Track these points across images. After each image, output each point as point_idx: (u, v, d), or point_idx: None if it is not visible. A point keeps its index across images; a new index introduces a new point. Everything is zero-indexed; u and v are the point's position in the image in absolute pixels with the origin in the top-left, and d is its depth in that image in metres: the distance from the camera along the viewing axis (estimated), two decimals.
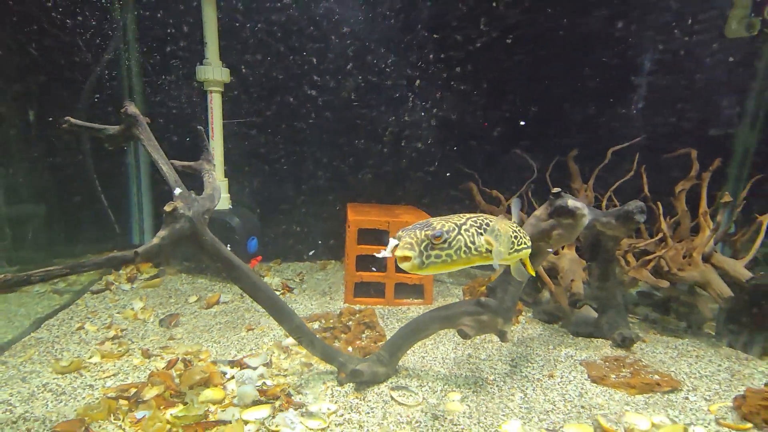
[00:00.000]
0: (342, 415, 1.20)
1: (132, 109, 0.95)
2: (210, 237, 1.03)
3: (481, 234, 0.98)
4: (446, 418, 1.20)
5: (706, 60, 2.36)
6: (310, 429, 1.13)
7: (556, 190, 1.32)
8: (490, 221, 1.00)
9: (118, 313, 1.76)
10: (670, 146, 2.19)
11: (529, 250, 1.10)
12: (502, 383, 1.38)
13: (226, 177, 2.19)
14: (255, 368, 1.37)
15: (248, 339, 1.60)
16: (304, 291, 2.20)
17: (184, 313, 1.81)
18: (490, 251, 1.00)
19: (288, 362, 1.46)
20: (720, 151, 2.50)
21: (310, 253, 2.65)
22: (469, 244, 0.96)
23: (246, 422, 1.15)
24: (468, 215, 0.99)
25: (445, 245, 0.92)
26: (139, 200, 2.42)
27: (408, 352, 1.57)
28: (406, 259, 0.89)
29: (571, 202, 1.31)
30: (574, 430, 1.15)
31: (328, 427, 1.15)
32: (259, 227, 2.25)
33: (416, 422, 1.18)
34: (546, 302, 1.97)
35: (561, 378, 1.43)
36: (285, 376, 1.38)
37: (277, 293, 2.07)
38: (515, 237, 1.02)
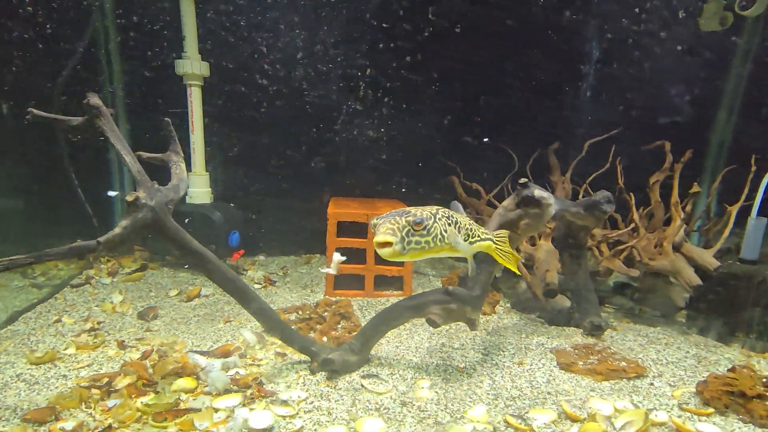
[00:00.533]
0: (312, 402, 1.22)
1: (95, 100, 0.96)
2: (173, 226, 1.04)
3: (450, 224, 1.01)
4: (414, 405, 1.22)
5: (680, 54, 2.39)
6: (279, 416, 1.15)
7: (522, 180, 1.34)
8: (452, 213, 1.04)
9: (96, 306, 1.77)
10: (650, 139, 2.23)
11: (487, 243, 1.12)
12: (471, 371, 1.41)
13: (207, 171, 2.19)
14: (228, 358, 1.38)
15: (225, 331, 1.62)
16: (286, 284, 2.22)
17: (163, 306, 1.83)
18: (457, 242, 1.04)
19: (263, 353, 1.48)
20: (697, 143, 2.55)
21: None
22: (443, 233, 1.00)
23: (216, 410, 1.17)
24: (429, 207, 1.02)
25: (425, 232, 0.95)
26: (122, 195, 2.43)
27: (382, 341, 1.60)
28: (387, 244, 0.90)
29: (537, 192, 1.33)
30: (538, 416, 1.18)
31: (297, 414, 1.17)
32: (242, 221, 2.27)
33: (384, 409, 1.20)
34: (523, 293, 2.00)
35: (530, 365, 1.46)
36: (258, 365, 1.40)
37: (258, 287, 2.13)
38: (470, 230, 1.05)
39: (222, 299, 1.96)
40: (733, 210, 1.77)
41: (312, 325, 1.59)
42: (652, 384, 1.37)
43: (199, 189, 2.15)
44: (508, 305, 2.04)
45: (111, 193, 1.69)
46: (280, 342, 1.43)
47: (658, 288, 1.97)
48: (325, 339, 1.53)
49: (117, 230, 0.92)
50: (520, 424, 1.13)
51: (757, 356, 1.63)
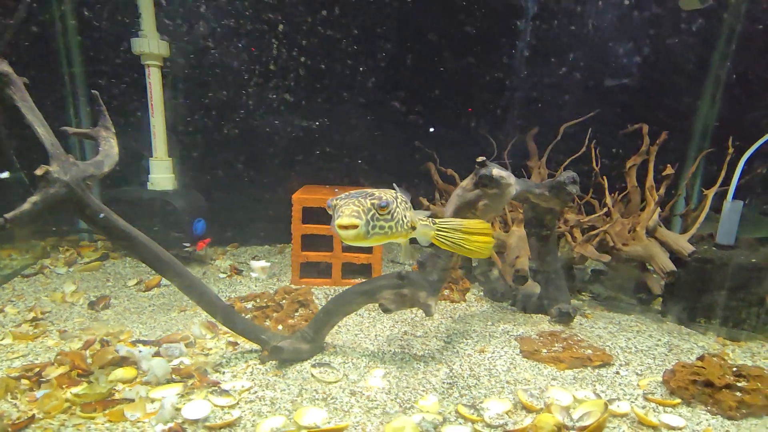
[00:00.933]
0: (256, 392, 1.16)
1: (4, 67, 0.88)
2: (95, 204, 0.97)
3: (406, 209, 0.95)
4: (363, 394, 1.16)
5: (663, 33, 2.31)
6: (217, 406, 1.09)
7: (480, 159, 1.27)
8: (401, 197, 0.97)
9: (46, 296, 1.70)
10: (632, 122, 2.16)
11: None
12: (430, 359, 1.35)
13: (170, 156, 2.11)
14: (173, 347, 1.32)
15: (178, 320, 1.55)
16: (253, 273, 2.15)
17: (119, 296, 1.75)
18: (413, 228, 0.97)
19: (214, 342, 1.41)
20: (681, 127, 2.48)
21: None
22: (403, 218, 0.93)
23: (152, 400, 1.10)
24: (383, 190, 0.95)
25: (389, 216, 0.88)
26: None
27: (341, 329, 1.54)
28: (353, 227, 0.84)
29: (496, 171, 1.26)
30: (493, 405, 1.12)
31: (238, 404, 1.10)
32: (207, 209, 2.19)
33: (332, 398, 1.14)
34: (495, 280, 1.94)
35: (492, 353, 1.40)
36: (207, 355, 1.34)
37: (223, 275, 2.06)
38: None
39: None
40: (710, 194, 1.70)
41: (268, 313, 1.52)
42: (617, 373, 1.31)
43: (160, 175, 2.07)
44: (482, 293, 1.98)
45: (1, 175, 1.60)
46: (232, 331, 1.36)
47: (635, 275, 1.91)
48: (280, 327, 1.47)
49: (26, 206, 0.85)
50: (472, 414, 1.07)
51: (733, 344, 1.57)
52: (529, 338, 1.47)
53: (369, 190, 0.92)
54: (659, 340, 1.55)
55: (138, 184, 2.15)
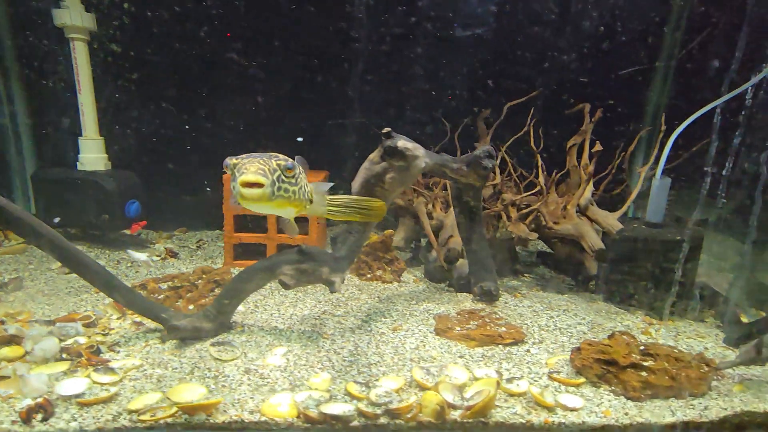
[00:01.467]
0: (144, 370, 1.11)
1: None
2: None
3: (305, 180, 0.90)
4: (258, 372, 1.12)
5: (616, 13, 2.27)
6: (97, 383, 1.05)
7: (386, 129, 1.23)
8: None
9: None
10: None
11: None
12: (339, 338, 1.31)
13: (102, 136, 2.04)
14: (70, 327, 1.27)
15: (88, 301, 1.50)
16: (191, 257, 2.09)
17: (38, 279, 1.70)
18: (309, 201, 0.92)
19: (119, 322, 1.36)
20: (633, 108, 2.45)
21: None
22: (305, 186, 0.88)
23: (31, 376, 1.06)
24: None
25: (293, 180, 0.83)
26: (20, 164, 2.27)
27: (257, 309, 1.49)
28: (258, 185, 0.78)
29: (401, 143, 1.22)
30: (387, 383, 1.08)
31: (121, 381, 1.06)
32: (142, 191, 2.12)
33: (223, 376, 1.10)
34: (433, 261, 1.90)
35: (406, 331, 1.36)
36: (106, 335, 1.29)
37: (157, 258, 2.01)
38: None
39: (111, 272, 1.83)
40: (642, 171, 1.67)
41: (181, 293, 1.47)
42: (528, 351, 1.28)
43: (90, 155, 2.00)
44: (421, 274, 1.95)
45: None
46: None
47: (574, 255, 1.88)
48: (191, 307, 1.42)
49: None
50: (361, 392, 1.04)
51: (659, 323, 1.55)
52: (447, 316, 1.43)
53: (271, 153, 0.86)
54: (583, 319, 1.52)
55: (71, 164, 2.08)
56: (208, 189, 2.21)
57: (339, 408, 0.98)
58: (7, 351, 1.15)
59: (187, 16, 2.20)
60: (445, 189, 2.06)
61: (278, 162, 0.82)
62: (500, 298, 1.63)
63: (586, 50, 2.38)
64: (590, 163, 1.68)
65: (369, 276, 1.79)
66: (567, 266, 1.97)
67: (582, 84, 2.36)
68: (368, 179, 1.25)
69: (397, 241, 2.20)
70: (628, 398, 1.08)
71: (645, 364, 1.12)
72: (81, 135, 2.00)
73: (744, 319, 1.55)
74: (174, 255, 2.04)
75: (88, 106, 1.96)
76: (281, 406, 0.97)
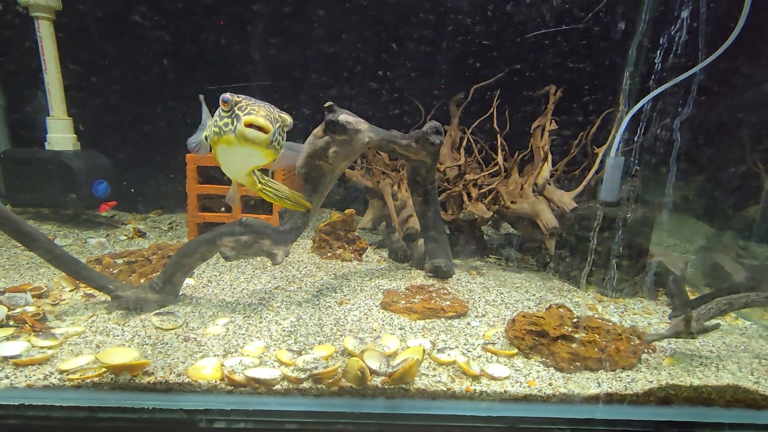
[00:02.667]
0: (86, 337, 1.14)
1: None
2: None
3: None
4: (196, 340, 1.15)
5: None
6: (36, 347, 1.08)
7: (327, 103, 1.24)
8: None
9: None
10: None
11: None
12: (284, 310, 1.33)
13: (69, 116, 2.05)
14: (19, 297, 1.30)
15: (46, 275, 1.53)
16: (159, 237, 2.12)
17: (1, 254, 1.73)
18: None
19: (71, 294, 1.39)
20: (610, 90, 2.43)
21: None
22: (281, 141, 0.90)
23: None
24: None
25: (284, 135, 0.86)
26: None
27: (213, 283, 1.52)
28: (263, 131, 0.80)
29: (343, 117, 1.23)
30: (320, 352, 1.10)
31: (60, 345, 1.09)
32: (111, 171, 2.14)
33: (162, 343, 1.13)
34: (395, 241, 1.92)
35: (352, 305, 1.38)
36: (56, 305, 1.32)
37: (124, 238, 2.03)
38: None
39: (75, 249, 1.86)
40: (600, 152, 1.67)
41: (135, 267, 1.50)
42: (469, 324, 1.30)
43: (58, 134, 2.01)
44: (385, 254, 1.96)
45: None
46: None
47: (536, 235, 1.89)
48: (142, 281, 1.45)
49: None
50: (291, 359, 1.06)
51: (611, 300, 1.57)
52: (396, 291, 1.45)
53: (267, 103, 0.87)
54: (533, 295, 1.54)
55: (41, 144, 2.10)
56: (171, 176, 2.21)
57: (265, 372, 1.00)
58: None
59: None
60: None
61: (280, 114, 0.84)
62: (454, 276, 1.65)
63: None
64: (546, 142, 1.68)
65: (329, 254, 1.81)
66: (531, 246, 1.99)
67: (556, 66, 2.35)
68: (312, 153, 1.27)
69: (365, 222, 2.22)
70: (557, 369, 1.09)
71: (576, 336, 1.14)
72: (48, 115, 2.02)
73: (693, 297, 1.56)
74: (142, 235, 2.07)
75: (55, 85, 1.97)
76: (206, 369, 0.99)
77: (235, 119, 0.80)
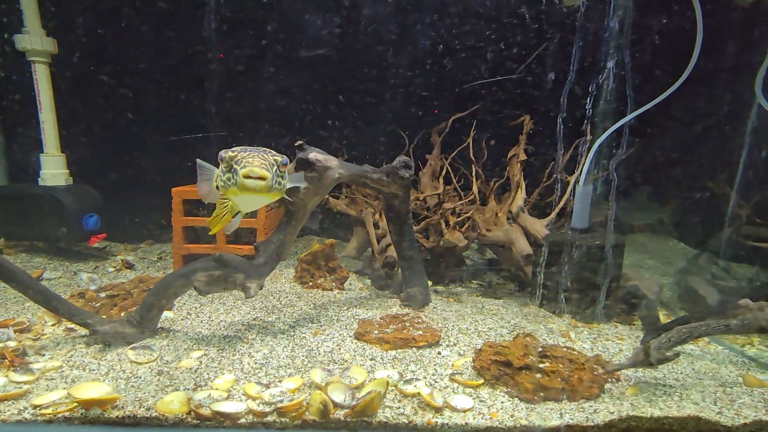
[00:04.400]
0: (62, 371, 1.17)
1: None
2: None
3: None
4: (169, 374, 1.17)
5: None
6: (13, 381, 1.11)
7: (298, 143, 1.30)
8: None
9: None
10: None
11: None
12: (258, 343, 1.36)
13: (63, 152, 2.14)
14: (1, 332, 1.34)
15: (31, 309, 1.57)
16: (147, 268, 2.16)
17: None
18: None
19: (53, 328, 1.43)
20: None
21: None
22: (283, 180, 0.98)
23: None
24: None
25: (285, 174, 0.94)
26: None
27: (192, 315, 1.55)
28: (262, 179, 0.87)
29: (313, 155, 1.29)
30: (288, 384, 1.13)
31: (37, 380, 1.13)
32: (102, 205, 2.20)
33: (135, 377, 1.15)
34: (377, 269, 1.95)
35: (326, 335, 1.41)
36: (37, 339, 1.35)
37: (112, 270, 2.08)
38: None
39: (64, 282, 1.91)
40: (571, 179, 1.72)
41: (117, 301, 1.54)
42: (439, 353, 1.32)
43: (51, 170, 2.09)
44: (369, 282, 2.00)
45: None
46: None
47: (516, 262, 1.92)
48: (122, 314, 1.48)
49: None
50: (259, 392, 1.08)
51: (586, 326, 1.58)
52: (370, 321, 1.48)
53: (258, 148, 0.95)
54: (508, 322, 1.56)
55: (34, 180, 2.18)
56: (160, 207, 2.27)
57: (231, 406, 1.02)
58: None
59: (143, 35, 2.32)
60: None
61: (275, 158, 0.93)
62: (431, 303, 1.68)
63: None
64: (519, 171, 1.74)
65: (310, 284, 1.85)
66: (511, 273, 2.01)
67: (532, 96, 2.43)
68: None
69: (349, 250, 2.26)
70: (521, 400, 1.10)
71: (539, 365, 1.16)
72: (42, 152, 2.10)
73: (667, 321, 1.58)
74: (130, 266, 2.12)
75: (49, 124, 2.06)
76: (173, 403, 1.02)
77: (234, 174, 0.89)
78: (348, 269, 2.02)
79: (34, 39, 1.94)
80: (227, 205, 1.10)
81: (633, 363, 1.11)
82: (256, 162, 0.87)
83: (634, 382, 1.19)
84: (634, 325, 1.62)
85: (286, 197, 1.16)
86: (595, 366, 1.17)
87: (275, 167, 0.90)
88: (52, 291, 1.32)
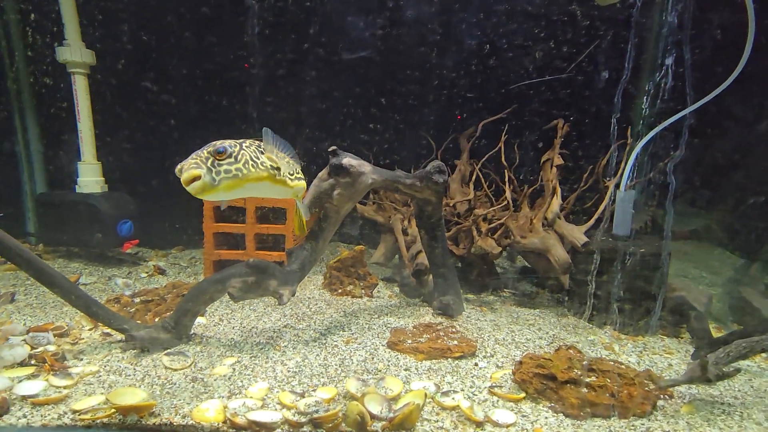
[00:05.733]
0: (100, 376, 1.18)
1: None
2: None
3: (262, 152, 0.98)
4: (203, 380, 1.17)
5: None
6: (53, 386, 1.13)
7: (332, 148, 1.28)
8: (263, 144, 1.02)
9: None
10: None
11: (302, 184, 1.11)
12: (290, 350, 1.34)
13: (99, 160, 2.20)
14: (42, 336, 1.36)
15: (69, 313, 1.60)
16: (179, 274, 2.19)
17: (32, 293, 1.82)
18: (277, 169, 1.00)
19: (90, 333, 1.45)
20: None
21: None
22: (255, 159, 0.96)
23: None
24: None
25: (232, 159, 0.92)
26: (32, 188, 2.46)
27: (224, 321, 1.55)
28: (195, 178, 0.87)
29: (347, 160, 1.27)
30: (322, 394, 1.10)
31: (75, 385, 1.14)
32: (136, 211, 2.25)
33: (171, 384, 1.15)
34: (406, 276, 1.92)
35: (358, 344, 1.38)
36: (75, 344, 1.37)
37: (144, 275, 2.11)
38: (290, 164, 1.06)
39: (99, 287, 1.95)
40: (611, 185, 1.65)
41: (151, 306, 1.55)
42: (476, 365, 1.27)
43: (88, 178, 2.15)
44: (397, 289, 1.96)
45: None
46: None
47: (551, 270, 1.85)
48: (156, 320, 1.49)
49: None
50: (293, 401, 1.06)
51: (629, 339, 1.50)
52: (403, 330, 1.44)
53: (214, 142, 0.94)
54: (546, 333, 1.50)
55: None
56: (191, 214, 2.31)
57: (266, 415, 1.00)
58: None
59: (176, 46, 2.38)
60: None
61: (209, 150, 0.89)
62: (464, 313, 1.63)
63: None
64: (555, 176, 1.68)
65: (340, 291, 1.83)
66: (545, 281, 1.94)
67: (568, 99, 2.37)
68: (317, 196, 1.31)
69: (377, 257, 2.23)
70: (566, 416, 1.05)
71: (585, 380, 1.10)
72: (80, 160, 2.16)
73: (719, 334, 1.48)
74: (162, 272, 2.14)
75: (87, 133, 2.12)
76: (209, 411, 1.00)
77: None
78: (376, 276, 2.00)
79: (74, 51, 2.01)
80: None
81: (689, 379, 1.04)
82: (186, 165, 0.87)
83: (689, 399, 1.12)
84: (681, 338, 1.53)
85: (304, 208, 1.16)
86: (645, 381, 1.10)
87: (210, 159, 0.87)
88: (92, 297, 1.34)
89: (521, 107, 2.14)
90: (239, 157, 0.91)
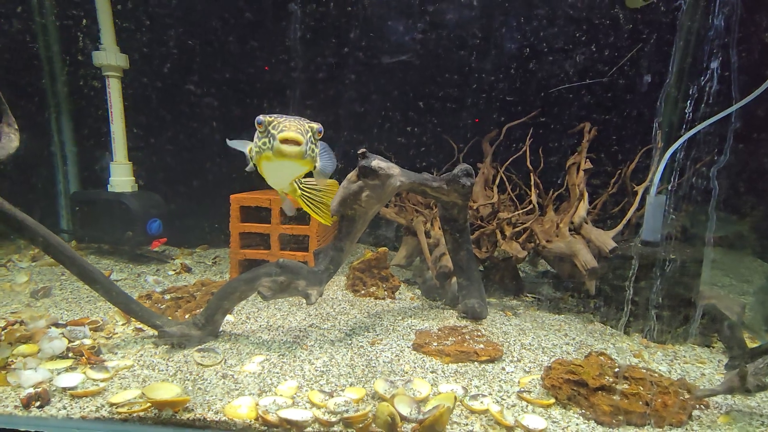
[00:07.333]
0: (134, 370, 1.22)
1: None
2: None
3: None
4: (233, 377, 1.19)
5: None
6: (90, 379, 1.16)
7: (361, 150, 1.30)
8: None
9: None
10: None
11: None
12: (317, 349, 1.36)
13: (130, 161, 2.26)
14: (78, 330, 1.41)
15: (102, 308, 1.65)
16: (204, 272, 2.24)
17: (66, 288, 1.89)
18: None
19: (123, 328, 1.49)
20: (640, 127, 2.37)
21: None
22: (315, 149, 1.00)
23: (36, 370, 1.19)
24: None
25: (318, 142, 0.96)
26: (66, 187, 2.55)
27: (248, 319, 1.58)
28: (298, 143, 0.88)
29: (375, 162, 1.28)
30: (351, 394, 1.11)
31: (111, 378, 1.17)
32: (165, 210, 2.31)
33: (202, 380, 1.18)
34: (429, 279, 1.92)
35: (384, 345, 1.39)
36: (109, 338, 1.42)
37: (172, 273, 2.16)
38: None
39: (129, 283, 2.00)
40: (640, 189, 1.62)
41: (181, 303, 1.59)
42: (503, 369, 1.27)
43: (120, 178, 2.22)
44: (419, 291, 1.96)
45: None
46: None
47: (575, 274, 1.83)
48: (187, 316, 1.53)
49: None
50: (323, 401, 1.07)
51: (657, 346, 1.47)
52: (428, 332, 1.44)
53: (297, 117, 0.97)
54: (573, 339, 1.48)
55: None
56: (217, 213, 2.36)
57: (297, 414, 1.02)
58: (25, 348, 1.30)
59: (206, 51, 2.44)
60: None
61: (310, 125, 0.93)
62: (489, 316, 1.62)
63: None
64: (581, 181, 1.66)
65: (363, 292, 1.84)
66: (570, 286, 1.92)
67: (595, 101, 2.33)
68: (346, 198, 1.32)
69: (399, 259, 2.23)
70: (598, 423, 1.03)
71: (617, 387, 1.08)
72: (112, 160, 2.23)
73: (753, 344, 1.44)
74: (188, 270, 2.19)
75: (119, 134, 2.19)
76: (241, 408, 1.02)
77: (270, 138, 0.89)
78: (398, 278, 2.00)
79: (109, 55, 2.07)
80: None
81: (727, 389, 1.01)
82: (292, 126, 0.87)
83: (726, 409, 1.09)
84: (713, 347, 1.49)
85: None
86: (680, 390, 1.08)
87: (309, 134, 0.90)
88: (126, 294, 1.38)
89: (559, 111, 2.13)
90: (318, 143, 0.97)
